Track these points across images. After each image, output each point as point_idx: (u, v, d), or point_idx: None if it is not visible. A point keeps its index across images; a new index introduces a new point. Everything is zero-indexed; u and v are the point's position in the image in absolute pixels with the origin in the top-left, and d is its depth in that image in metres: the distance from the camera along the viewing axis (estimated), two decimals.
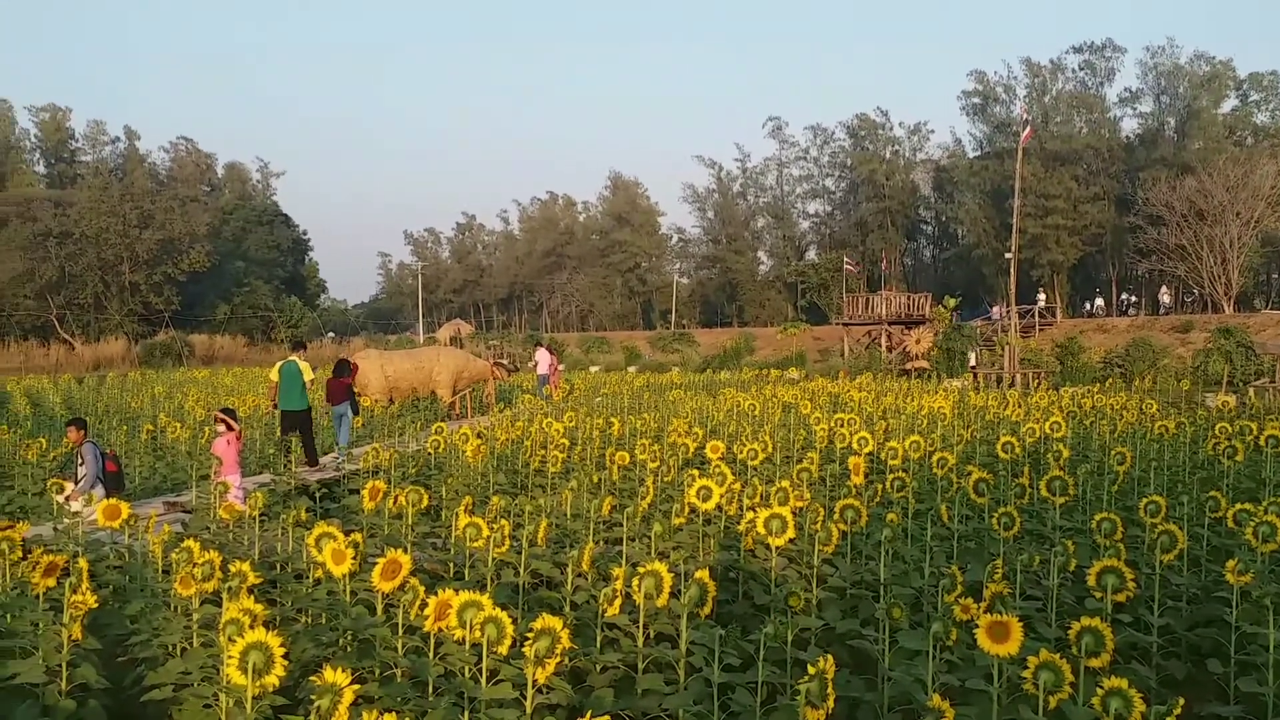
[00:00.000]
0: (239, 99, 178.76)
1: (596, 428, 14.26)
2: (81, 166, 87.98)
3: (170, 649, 6.02)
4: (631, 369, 52.31)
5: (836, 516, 6.99)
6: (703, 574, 4.96)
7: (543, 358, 28.31)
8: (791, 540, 6.28)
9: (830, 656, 3.95)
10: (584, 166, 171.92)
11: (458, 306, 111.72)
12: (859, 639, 5.91)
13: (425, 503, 7.78)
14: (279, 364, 15.46)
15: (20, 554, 7.25)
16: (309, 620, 6.45)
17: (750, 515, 7.16)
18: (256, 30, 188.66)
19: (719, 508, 7.65)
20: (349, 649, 5.70)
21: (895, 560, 7.15)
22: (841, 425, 12.76)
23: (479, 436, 12.21)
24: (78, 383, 33.98)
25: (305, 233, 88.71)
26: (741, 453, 10.71)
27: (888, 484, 8.69)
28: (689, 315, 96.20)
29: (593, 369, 52.75)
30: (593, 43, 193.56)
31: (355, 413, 17.21)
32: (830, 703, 3.83)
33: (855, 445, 10.80)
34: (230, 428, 11.80)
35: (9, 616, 6.80)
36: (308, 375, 15.18)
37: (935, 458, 9.70)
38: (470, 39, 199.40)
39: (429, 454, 13.05)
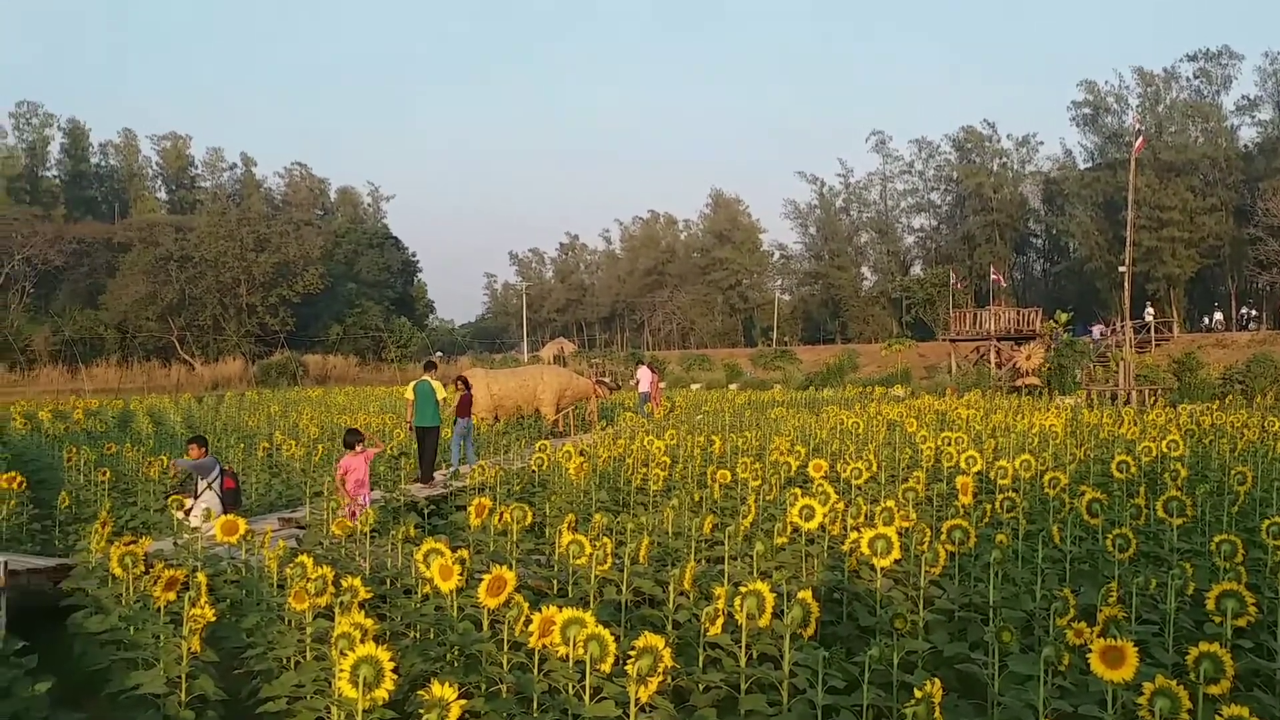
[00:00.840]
0: (351, 125, 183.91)
1: (698, 445, 14.25)
2: (201, 192, 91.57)
3: (284, 662, 6.20)
4: (733, 386, 52.15)
5: (944, 537, 6.87)
6: (806, 594, 4.92)
7: (644, 375, 28.41)
8: (897, 561, 6.19)
9: (938, 680, 3.89)
10: (685, 185, 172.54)
11: (561, 325, 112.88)
12: (967, 663, 5.79)
13: (529, 519, 7.87)
14: (413, 383, 16.21)
15: (143, 569, 7.56)
16: (417, 635, 6.58)
17: (855, 535, 7.07)
18: (368, 59, 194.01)
19: (822, 527, 7.57)
20: (456, 664, 5.80)
21: (1005, 582, 6.98)
22: (949, 444, 12.53)
23: (582, 454, 12.33)
24: (197, 402, 35.22)
25: (414, 255, 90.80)
26: (845, 471, 10.58)
27: (997, 504, 8.49)
28: (790, 332, 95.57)
29: (694, 386, 52.74)
30: (694, 61, 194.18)
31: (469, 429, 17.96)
32: None
33: (963, 464, 10.59)
34: (355, 447, 11.93)
35: (132, 629, 7.09)
36: (440, 394, 15.89)
37: (1047, 477, 9.45)
38: (571, 61, 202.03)
39: (533, 471, 13.21)
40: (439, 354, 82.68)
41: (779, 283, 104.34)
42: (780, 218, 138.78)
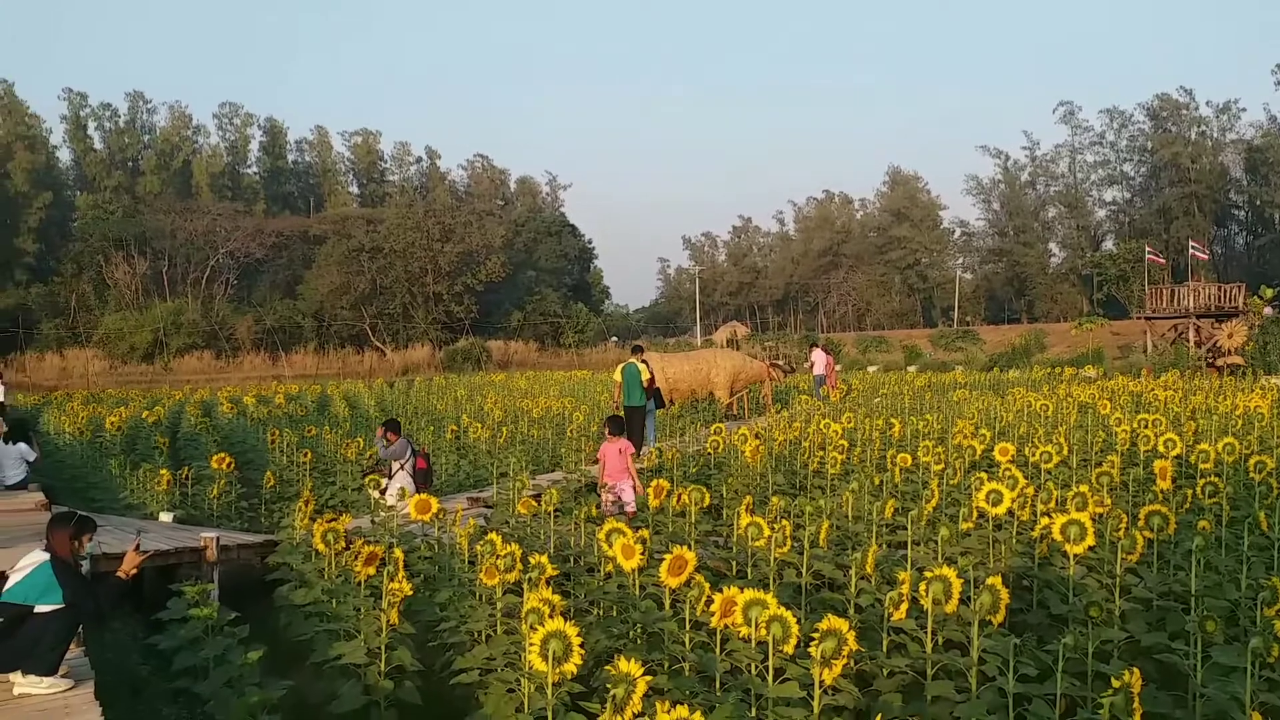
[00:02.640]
0: (531, 116, 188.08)
1: (876, 429, 14.02)
2: (389, 186, 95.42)
3: (476, 635, 6.43)
4: (911, 368, 50.95)
5: (1141, 523, 6.57)
6: (995, 580, 4.80)
7: (819, 358, 28.07)
8: (1091, 548, 5.97)
9: (1137, 670, 3.73)
10: (861, 163, 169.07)
11: (734, 309, 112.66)
12: (1167, 653, 5.52)
13: (707, 501, 7.93)
14: (621, 366, 17.11)
15: (343, 544, 7.98)
16: (600, 612, 6.71)
17: (1045, 521, 6.83)
18: (547, 51, 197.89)
19: (1010, 513, 7.35)
20: (638, 641, 5.90)
21: (1207, 571, 6.61)
22: (1145, 426, 11.94)
23: (757, 437, 12.31)
24: (389, 386, 36.80)
25: (590, 241, 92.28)
26: (1034, 455, 10.23)
27: (1198, 489, 8.06)
28: (973, 312, 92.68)
29: (870, 369, 51.80)
30: (866, 35, 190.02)
31: (659, 406, 18.54)
32: (1136, 718, 3.61)
33: (1161, 448, 10.08)
34: (615, 435, 11.57)
35: (334, 602, 7.50)
36: (645, 376, 16.64)
37: (1252, 461, 8.89)
38: (741, 42, 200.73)
39: (709, 454, 13.26)
40: (614, 339, 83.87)
41: (960, 261, 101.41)
42: (961, 194, 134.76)
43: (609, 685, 4.02)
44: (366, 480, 10.92)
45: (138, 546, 5.69)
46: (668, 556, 5.49)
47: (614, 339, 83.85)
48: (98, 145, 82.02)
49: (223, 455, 13.97)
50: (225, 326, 62.42)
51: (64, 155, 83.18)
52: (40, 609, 5.17)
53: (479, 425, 18.62)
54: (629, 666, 3.95)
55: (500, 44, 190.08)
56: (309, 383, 41.80)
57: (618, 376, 17.14)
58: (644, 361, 17.14)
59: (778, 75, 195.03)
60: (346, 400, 29.15)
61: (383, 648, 6.15)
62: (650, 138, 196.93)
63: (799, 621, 4.43)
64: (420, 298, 67.63)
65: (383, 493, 11.27)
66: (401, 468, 11.96)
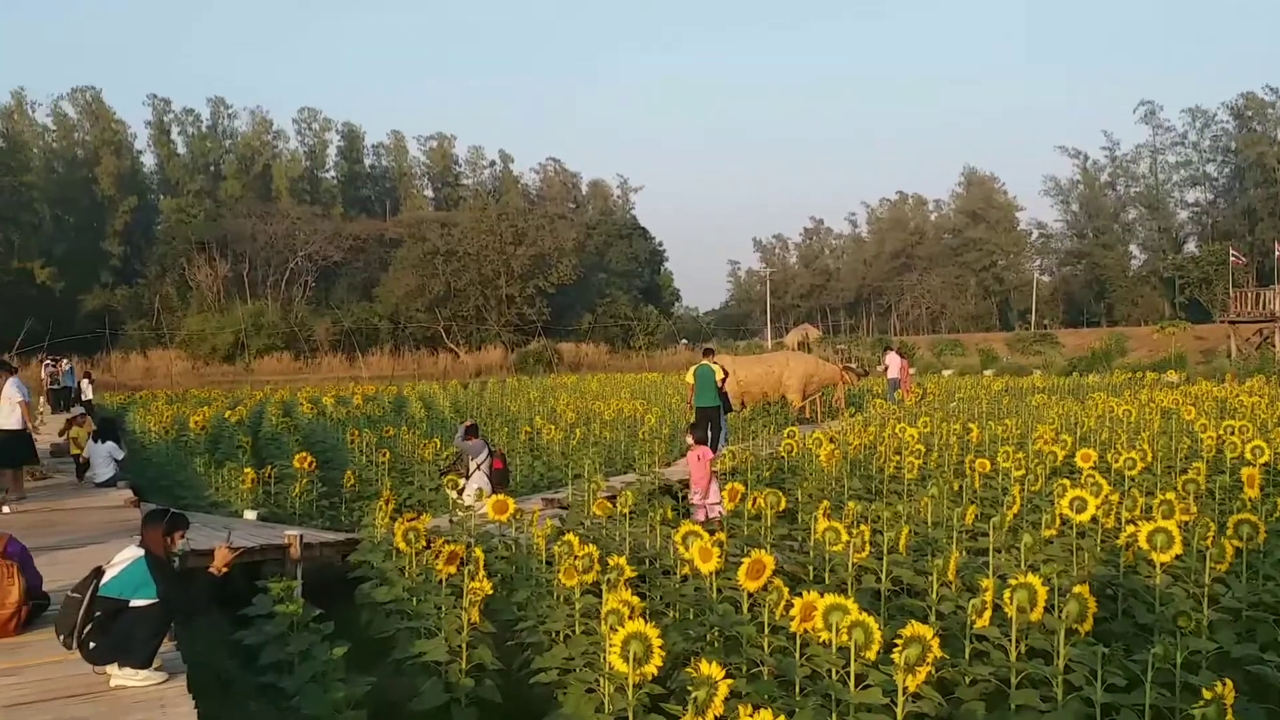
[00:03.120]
0: (602, 119, 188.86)
1: (953, 433, 13.85)
2: (464, 190, 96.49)
3: (554, 635, 6.48)
4: (988, 372, 50.14)
5: (1230, 532, 6.41)
6: (1083, 589, 4.73)
7: (893, 361, 27.77)
8: (1178, 557, 5.84)
9: (1229, 681, 3.65)
10: (935, 164, 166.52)
11: (805, 311, 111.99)
12: (1258, 665, 5.39)
13: (783, 505, 7.91)
14: (693, 368, 17.12)
15: (424, 543, 8.10)
16: (676, 614, 6.73)
17: (1130, 529, 6.70)
18: (617, 56, 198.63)
19: (1094, 520, 7.22)
20: (716, 644, 5.91)
21: None
22: (1232, 433, 11.63)
23: (832, 441, 12.23)
24: (463, 388, 37.22)
25: (661, 244, 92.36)
26: (1117, 462, 10.03)
27: None
28: (1050, 315, 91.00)
29: (945, 372, 51.12)
30: (941, 34, 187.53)
31: (728, 410, 18.40)
32: None
33: (1249, 455, 9.82)
34: (696, 442, 11.65)
35: (415, 600, 7.62)
36: (718, 376, 16.68)
37: None
38: (813, 44, 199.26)
39: (782, 458, 13.21)
40: (684, 341, 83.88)
41: (1038, 263, 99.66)
42: (1039, 195, 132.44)
43: (689, 687, 4.05)
44: (445, 480, 11.06)
45: (230, 544, 5.84)
46: (745, 560, 5.49)
47: (684, 341, 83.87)
48: (181, 150, 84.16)
49: (304, 454, 14.25)
50: (304, 328, 63.62)
51: (148, 160, 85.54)
52: (135, 603, 5.33)
53: (552, 427, 18.76)
54: (710, 669, 3.97)
55: (571, 47, 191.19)
56: (385, 384, 42.42)
57: (690, 378, 17.18)
58: (717, 363, 17.16)
59: (850, 75, 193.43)
60: (422, 401, 29.53)
61: (463, 646, 6.24)
62: (721, 139, 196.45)
63: (880, 627, 4.41)
64: (493, 300, 68.28)
65: (460, 492, 11.43)
66: (478, 468, 12.10)
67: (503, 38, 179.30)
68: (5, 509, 11.19)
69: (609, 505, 9.21)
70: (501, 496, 8.77)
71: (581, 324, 71.95)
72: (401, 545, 8.01)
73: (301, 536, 9.70)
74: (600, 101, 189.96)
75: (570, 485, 11.48)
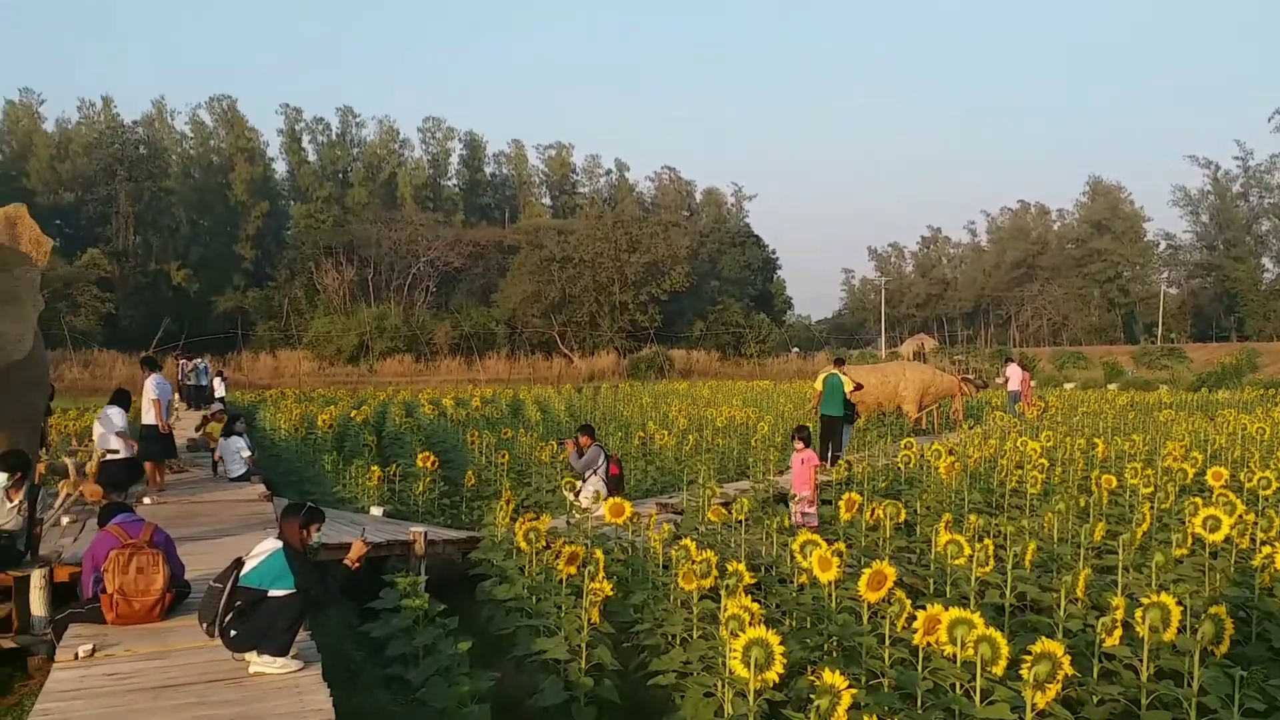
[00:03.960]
0: (717, 127, 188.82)
1: (1078, 448, 13.49)
2: (580, 197, 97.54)
3: (671, 638, 6.55)
4: (1112, 386, 48.51)
5: None
6: (1220, 610, 4.59)
7: (1014, 373, 27.12)
8: None
9: None
10: (1059, 173, 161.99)
11: (920, 321, 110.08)
12: None
13: (903, 517, 7.84)
14: (822, 375, 17.42)
15: (544, 544, 8.25)
16: (793, 623, 6.72)
17: (1267, 550, 6.47)
18: (732, 63, 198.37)
19: (1228, 540, 6.97)
20: (834, 654, 5.90)
21: None
22: None
23: (951, 453, 12.03)
24: (576, 392, 37.63)
25: (774, 252, 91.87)
26: (1250, 481, 9.65)
27: None
28: (1178, 328, 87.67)
29: (1067, 386, 49.61)
30: (1065, 39, 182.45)
31: (849, 421, 18.61)
32: None
33: None
34: (802, 445, 11.64)
35: (535, 599, 7.77)
36: (848, 386, 16.93)
37: None
38: (933, 50, 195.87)
39: (898, 469, 13.05)
40: (795, 349, 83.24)
41: (1165, 275, 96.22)
42: (1167, 205, 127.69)
43: (812, 696, 4.06)
44: (563, 482, 11.22)
45: (365, 538, 6.05)
46: (866, 571, 5.47)
47: (795, 350, 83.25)
48: (311, 158, 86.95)
49: (427, 454, 14.63)
50: (424, 332, 65.12)
51: (280, 167, 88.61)
52: (274, 594, 5.57)
53: (664, 432, 18.85)
54: (833, 678, 3.97)
55: (688, 57, 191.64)
56: (501, 387, 43.16)
57: (819, 386, 17.39)
58: (846, 373, 17.30)
59: (969, 83, 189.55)
60: (538, 405, 29.96)
61: (583, 645, 6.34)
62: (837, 147, 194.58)
63: (1007, 643, 4.35)
64: (607, 306, 68.84)
65: (576, 495, 11.59)
66: (594, 472, 12.25)
67: (621, 49, 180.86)
68: (146, 500, 11.76)
69: (724, 512, 9.25)
70: (618, 500, 8.87)
71: (693, 331, 72.02)
72: (522, 544, 8.17)
73: (426, 533, 9.96)
74: (716, 110, 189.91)
75: (685, 490, 11.52)
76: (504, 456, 15.19)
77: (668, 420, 23.19)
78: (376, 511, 12.30)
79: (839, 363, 18.27)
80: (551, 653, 6.39)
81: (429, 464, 14.43)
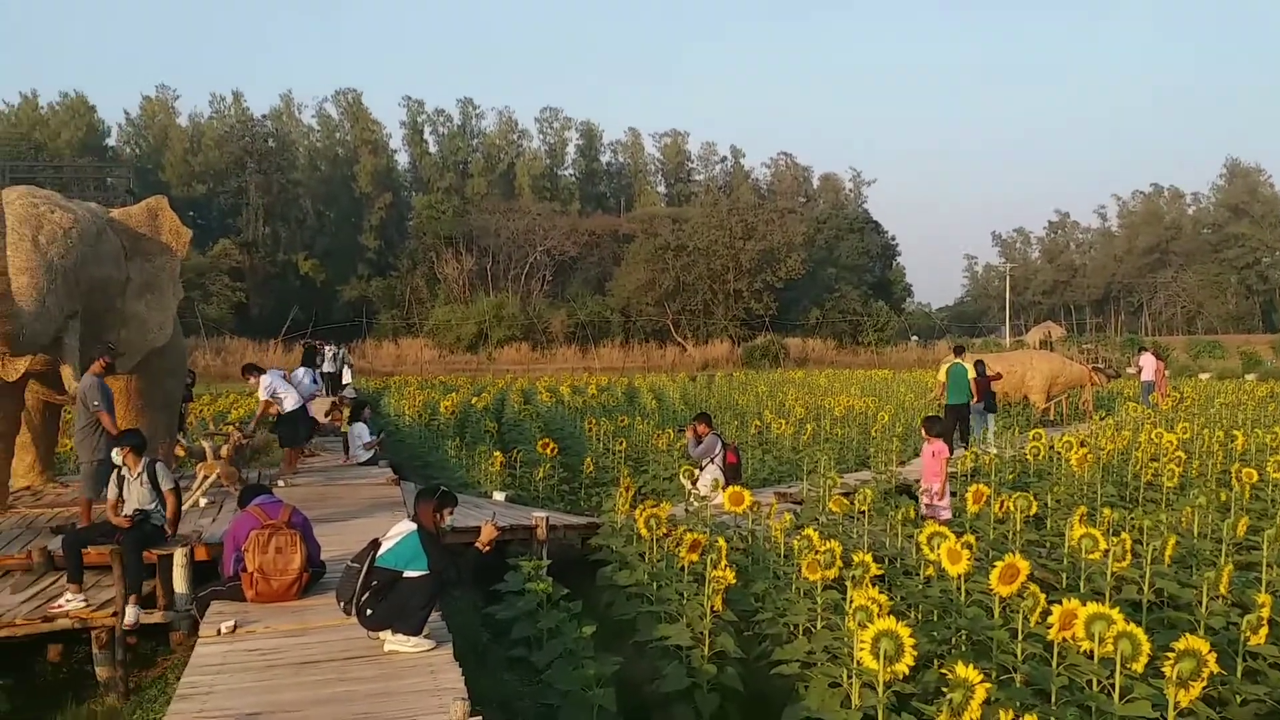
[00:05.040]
0: (836, 113, 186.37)
1: (1215, 441, 12.95)
2: (695, 185, 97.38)
3: (793, 628, 6.52)
4: (1250, 377, 46.36)
5: None
6: None
7: (1147, 363, 26.14)
8: None
9: None
10: (1193, 155, 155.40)
11: (1046, 308, 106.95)
12: None
13: (1034, 509, 7.64)
14: (946, 365, 17.73)
15: (664, 531, 8.30)
16: (919, 615, 6.63)
17: None
18: (851, 48, 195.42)
19: None
20: (963, 648, 5.79)
21: None
22: None
23: (1083, 444, 11.67)
24: (690, 381, 37.68)
25: (893, 238, 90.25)
26: None
27: None
28: None
29: (1203, 376, 47.61)
30: (1197, 18, 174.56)
31: (990, 410, 18.83)
32: None
33: None
34: (931, 436, 11.32)
35: (656, 585, 7.82)
36: (971, 375, 17.27)
37: None
38: (1064, 31, 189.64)
39: (1027, 460, 12.72)
40: (915, 338, 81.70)
41: None
42: None
43: (944, 689, 4.00)
44: (681, 470, 11.25)
45: (496, 523, 6.18)
46: (998, 564, 5.35)
47: (915, 338, 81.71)
48: (432, 149, 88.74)
49: (547, 440, 14.83)
50: (541, 320, 65.92)
51: (402, 159, 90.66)
52: (408, 574, 5.73)
53: (782, 421, 18.73)
54: (966, 672, 3.91)
55: (806, 43, 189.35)
56: (616, 375, 43.48)
57: (942, 376, 17.58)
58: (977, 362, 17.54)
59: (1097, 61, 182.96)
60: (653, 393, 30.09)
61: (706, 633, 6.36)
62: (960, 131, 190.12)
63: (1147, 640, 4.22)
64: (721, 294, 68.58)
65: (694, 483, 11.61)
66: (711, 460, 12.23)
67: (738, 36, 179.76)
68: (280, 483, 12.20)
69: (845, 502, 9.16)
70: (738, 488, 8.85)
71: (809, 319, 71.28)
72: (643, 531, 8.22)
73: (548, 518, 10.12)
74: (834, 95, 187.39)
75: (805, 480, 11.43)
76: (621, 444, 15.29)
77: (784, 409, 23.04)
78: (499, 496, 12.53)
79: (959, 350, 18.37)
80: (674, 639, 6.42)
81: (549, 450, 14.63)
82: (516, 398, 25.83)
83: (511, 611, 8.00)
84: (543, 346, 64.11)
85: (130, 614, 7.45)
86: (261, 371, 13.40)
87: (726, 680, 6.19)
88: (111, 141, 80.00)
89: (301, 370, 14.14)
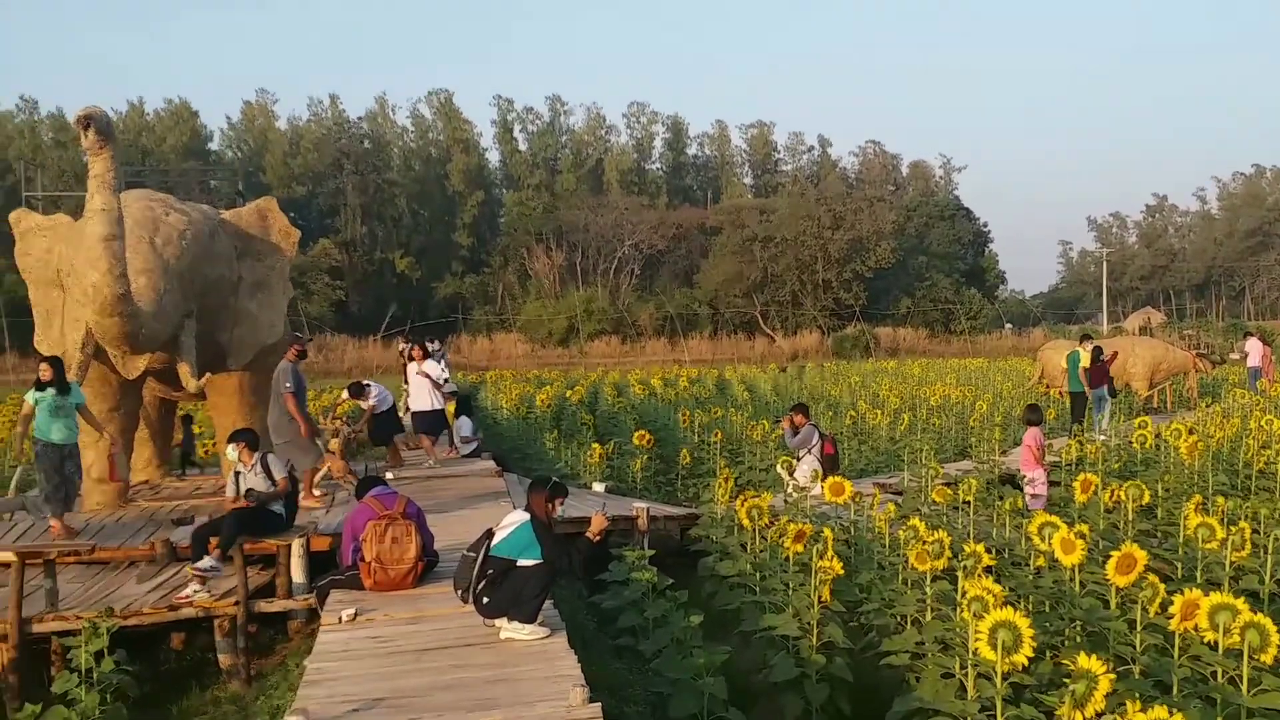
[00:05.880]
0: (925, 98, 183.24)
1: None
2: (782, 176, 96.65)
3: (902, 619, 6.51)
4: None
5: None
6: None
7: (1254, 348, 25.28)
8: None
9: None
10: None
11: (1144, 294, 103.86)
12: None
13: (1146, 499, 7.51)
14: (1067, 353, 18.36)
15: (766, 521, 8.34)
16: (1030, 606, 6.56)
17: None
18: (939, 31, 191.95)
19: None
20: (1078, 639, 5.73)
21: None
22: None
23: (1191, 432, 11.40)
24: (781, 371, 37.51)
25: (985, 225, 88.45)
26: None
27: None
28: None
29: None
30: None
31: (1112, 395, 19.05)
32: None
33: None
34: (1030, 423, 11.43)
35: (760, 576, 7.86)
36: (1084, 363, 17.59)
37: None
38: (1147, 9, 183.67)
39: (1134, 449, 12.45)
40: (1009, 325, 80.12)
41: None
42: None
43: (1066, 680, 3.99)
44: (779, 461, 11.26)
45: (605, 513, 6.30)
46: (1114, 554, 5.30)
47: (1009, 326, 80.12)
48: (522, 147, 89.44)
49: (643, 432, 14.95)
50: (630, 314, 66.24)
51: (493, 157, 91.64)
52: (522, 563, 5.87)
53: (877, 412, 18.58)
54: (1089, 663, 3.90)
55: (893, 26, 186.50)
56: (705, 367, 43.46)
57: (1063, 363, 18.30)
58: (1095, 348, 17.78)
59: (1197, 39, 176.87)
60: (744, 384, 30.04)
61: (814, 623, 6.39)
62: (1052, 114, 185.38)
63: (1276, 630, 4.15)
64: (809, 285, 68.04)
65: (792, 474, 11.62)
66: (809, 451, 12.22)
67: (822, 22, 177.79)
68: (389, 475, 12.52)
69: (948, 492, 9.09)
70: (839, 479, 8.85)
71: (899, 308, 70.35)
72: (745, 521, 8.28)
73: (648, 509, 10.22)
74: (923, 80, 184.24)
75: (906, 470, 11.36)
76: (718, 435, 15.34)
77: (878, 399, 22.84)
78: (599, 487, 12.69)
79: (1086, 339, 18.81)
80: (782, 629, 6.45)
81: (645, 442, 14.75)
82: (609, 390, 26.03)
83: (617, 600, 8.13)
84: (632, 339, 64.36)
85: (206, 560, 7.87)
86: (364, 391, 13.96)
87: (835, 670, 6.20)
88: (214, 146, 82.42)
89: (429, 363, 14.60)
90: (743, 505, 8.37)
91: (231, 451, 8.73)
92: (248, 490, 8.36)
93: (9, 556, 7.54)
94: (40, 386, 9.62)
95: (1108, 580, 5.33)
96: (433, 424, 14.13)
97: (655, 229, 73.88)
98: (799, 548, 7.05)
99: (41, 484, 9.85)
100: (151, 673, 8.00)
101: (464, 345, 60.07)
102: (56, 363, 9.79)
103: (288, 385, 11.01)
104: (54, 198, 57.18)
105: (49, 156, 70.40)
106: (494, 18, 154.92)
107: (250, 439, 8.71)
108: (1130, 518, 7.40)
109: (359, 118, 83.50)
